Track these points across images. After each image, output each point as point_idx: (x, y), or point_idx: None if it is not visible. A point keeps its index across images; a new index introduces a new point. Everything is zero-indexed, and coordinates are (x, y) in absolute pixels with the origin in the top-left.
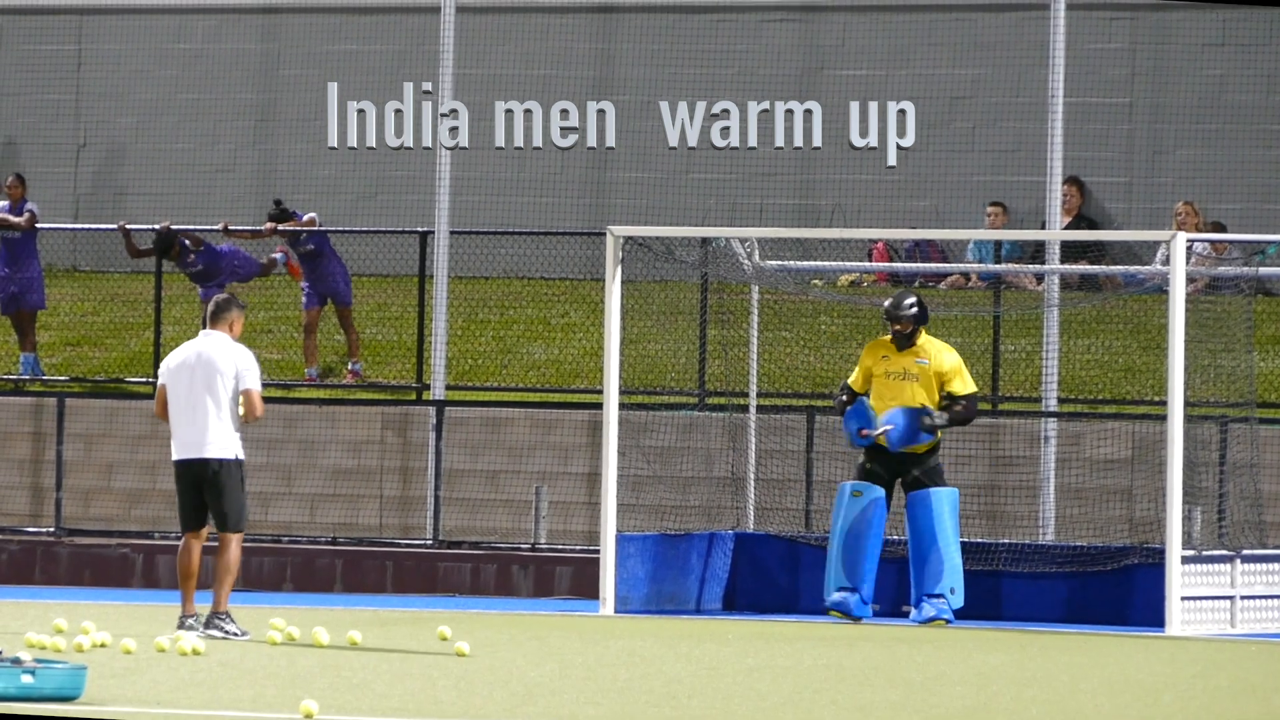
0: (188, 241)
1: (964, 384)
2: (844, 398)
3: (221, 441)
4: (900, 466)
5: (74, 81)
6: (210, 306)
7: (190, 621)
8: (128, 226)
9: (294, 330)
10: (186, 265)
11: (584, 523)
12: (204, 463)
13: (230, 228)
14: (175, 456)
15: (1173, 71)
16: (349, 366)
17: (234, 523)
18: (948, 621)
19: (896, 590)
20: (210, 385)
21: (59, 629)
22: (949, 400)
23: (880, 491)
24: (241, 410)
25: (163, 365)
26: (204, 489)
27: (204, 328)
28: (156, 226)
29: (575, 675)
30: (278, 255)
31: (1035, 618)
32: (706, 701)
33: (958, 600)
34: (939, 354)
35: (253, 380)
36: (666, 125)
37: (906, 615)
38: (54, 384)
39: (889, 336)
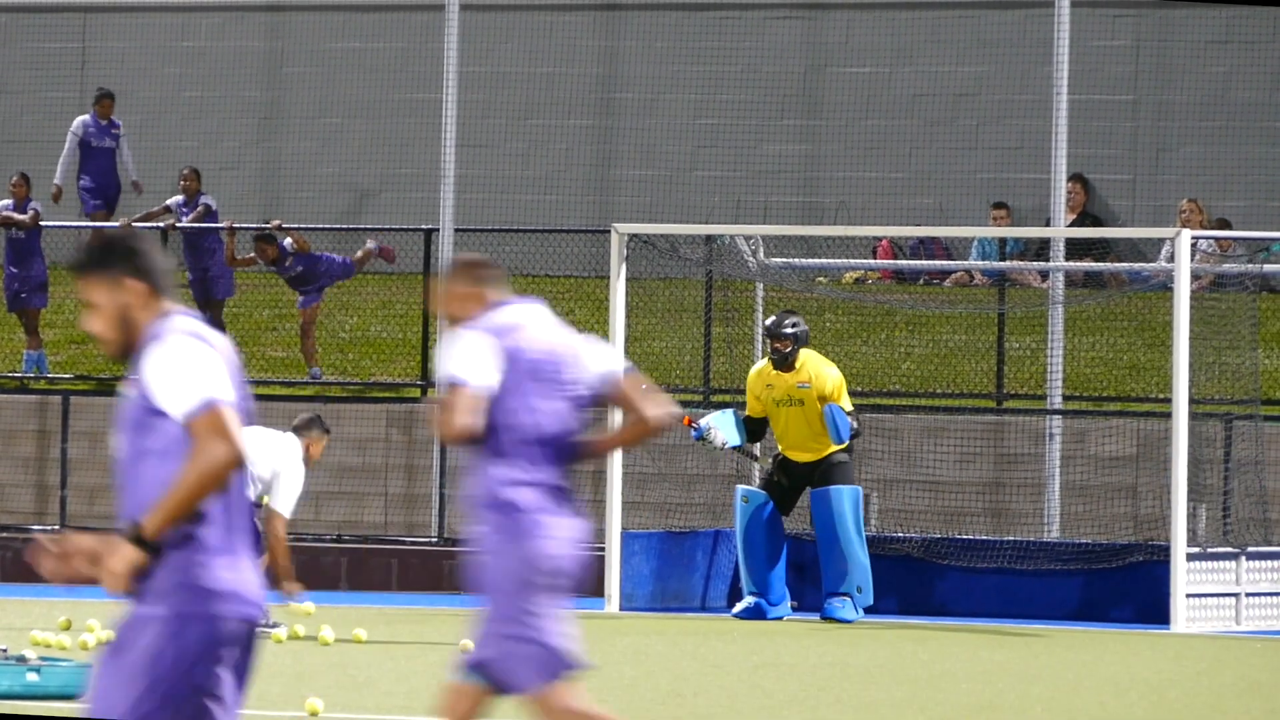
0: (288, 245)
1: (845, 404)
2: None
3: None
4: (804, 470)
5: (78, 79)
6: (299, 418)
7: None
8: (234, 225)
9: (298, 326)
10: (284, 269)
11: (589, 520)
12: None
13: (234, 224)
14: None
15: (1177, 69)
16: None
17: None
18: (849, 621)
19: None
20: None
21: (64, 626)
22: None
23: (763, 497)
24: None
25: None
26: None
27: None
28: (266, 227)
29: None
30: (371, 245)
31: (1040, 615)
32: (712, 699)
33: (865, 599)
34: (820, 375)
35: (281, 501)
36: (671, 122)
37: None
38: (59, 382)
39: (769, 360)
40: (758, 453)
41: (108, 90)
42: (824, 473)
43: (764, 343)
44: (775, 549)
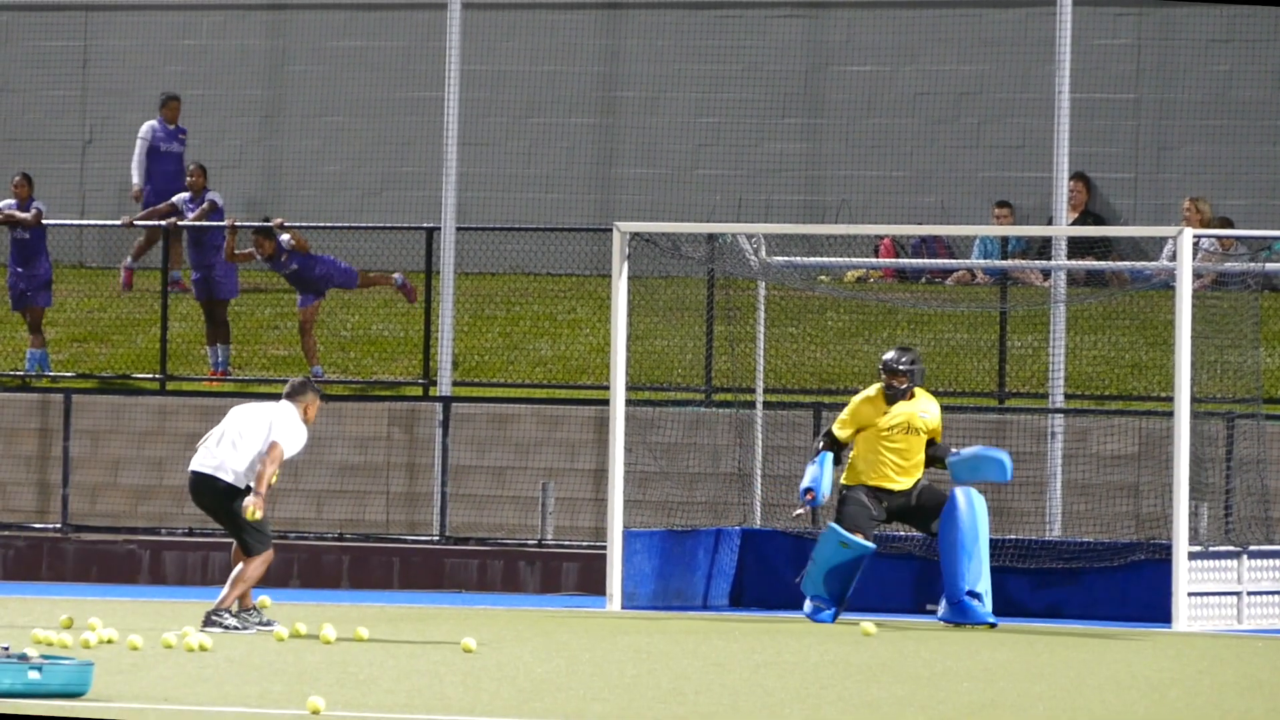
0: (285, 241)
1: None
2: (820, 444)
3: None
4: (903, 497)
5: (80, 77)
6: (290, 384)
7: (244, 616)
8: (236, 224)
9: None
10: (280, 265)
11: (591, 519)
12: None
13: (236, 222)
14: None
15: (1179, 67)
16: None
17: (252, 549)
18: (992, 625)
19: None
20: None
21: (66, 625)
22: (931, 445)
23: (870, 548)
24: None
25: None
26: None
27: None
28: (268, 225)
29: (582, 671)
30: (396, 277)
31: (1042, 613)
32: (714, 697)
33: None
34: (933, 407)
35: (284, 438)
36: (673, 121)
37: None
38: (61, 380)
39: (877, 389)
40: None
41: (174, 94)
42: (928, 488)
43: (879, 374)
44: (852, 576)
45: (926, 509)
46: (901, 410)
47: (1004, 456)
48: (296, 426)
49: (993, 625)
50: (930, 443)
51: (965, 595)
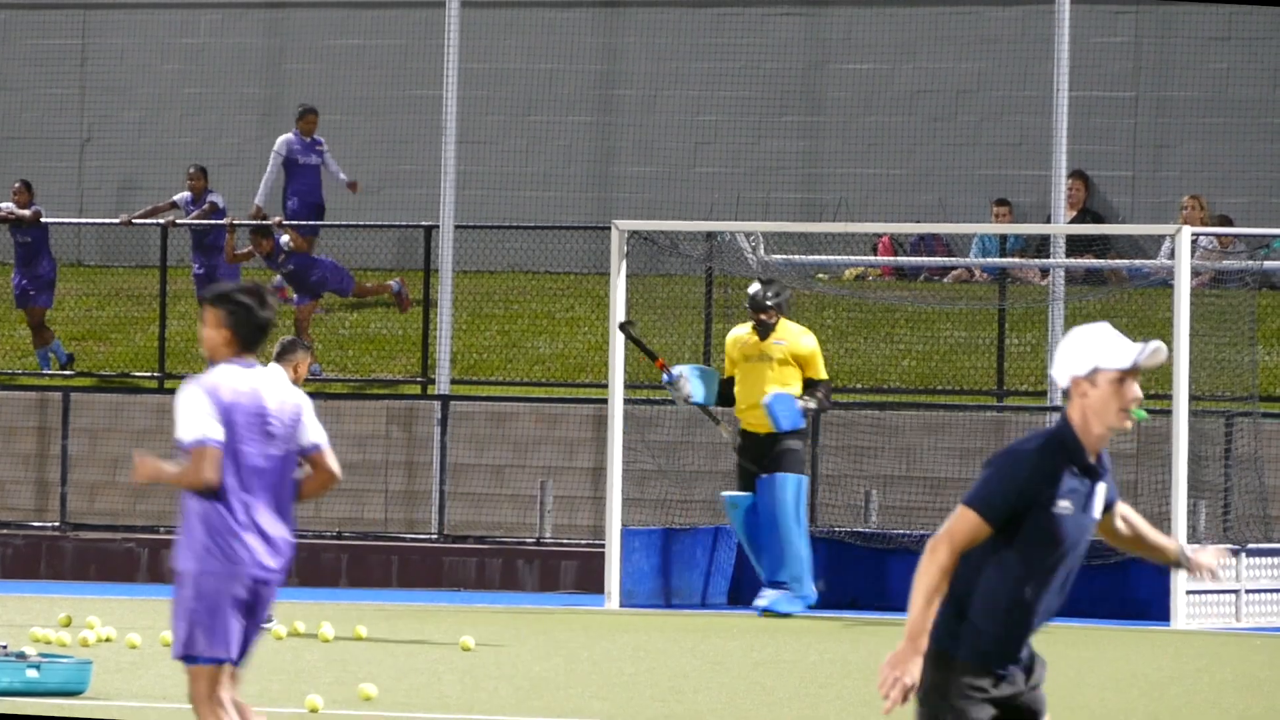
0: (284, 242)
1: (820, 371)
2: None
3: None
4: (763, 446)
5: (78, 76)
6: (278, 344)
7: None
8: (235, 222)
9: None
10: (277, 265)
11: (589, 517)
12: None
13: (235, 221)
14: None
15: (1177, 66)
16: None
17: None
18: (787, 614)
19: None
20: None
21: (64, 623)
22: (810, 385)
23: (748, 497)
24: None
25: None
26: None
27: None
28: (267, 223)
29: (581, 669)
30: (393, 284)
31: None
32: (712, 695)
33: (804, 590)
34: (797, 337)
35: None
36: (671, 119)
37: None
38: (59, 378)
39: (753, 329)
40: (721, 416)
41: (311, 106)
42: (775, 457)
43: (748, 312)
44: (774, 537)
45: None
46: (757, 340)
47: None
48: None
49: (785, 615)
50: (809, 382)
51: (765, 585)
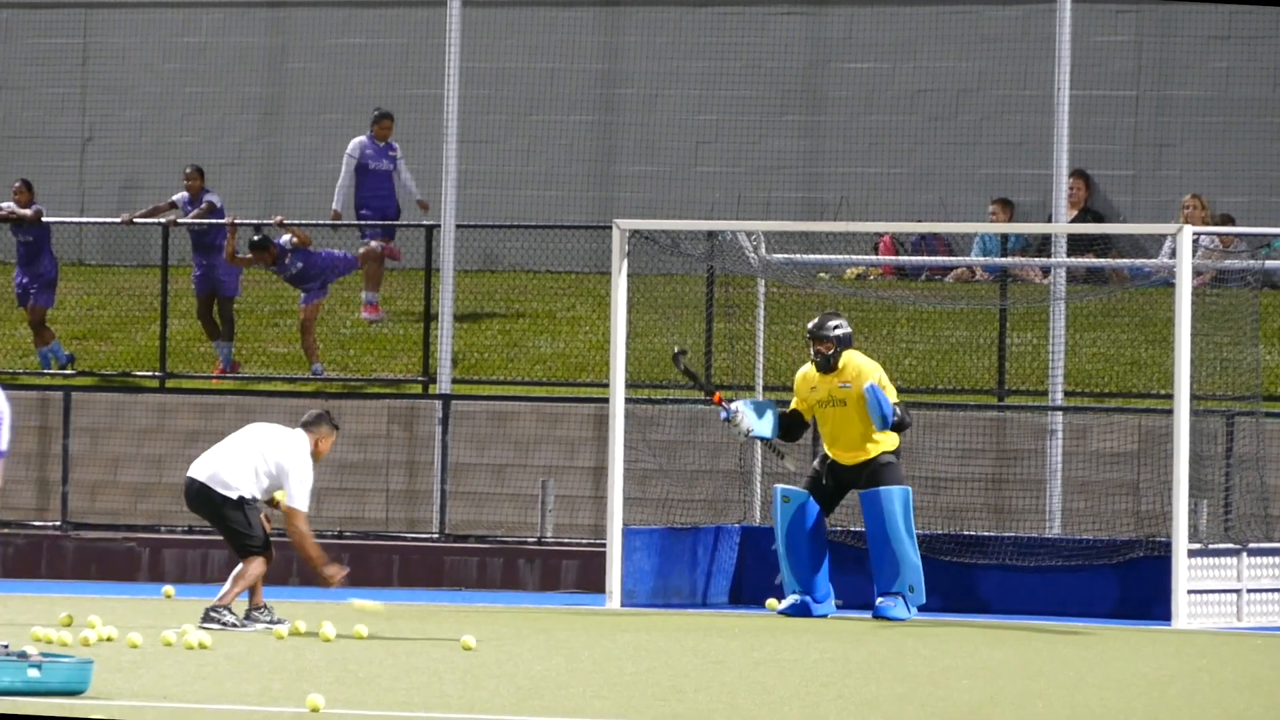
0: (285, 241)
1: (891, 395)
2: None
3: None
4: (851, 473)
5: (80, 75)
6: (308, 415)
7: (255, 614)
8: (236, 221)
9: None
10: (284, 268)
11: (590, 516)
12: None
13: (236, 220)
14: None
15: (1179, 64)
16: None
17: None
18: (901, 620)
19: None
20: (258, 453)
21: (65, 623)
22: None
23: (805, 496)
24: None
25: None
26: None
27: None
28: (268, 223)
29: (582, 669)
30: (374, 245)
31: (1041, 611)
32: (713, 695)
33: (917, 598)
34: (860, 373)
35: (296, 497)
36: (672, 118)
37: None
38: (60, 377)
39: (813, 363)
40: (784, 450)
41: (386, 111)
42: (872, 474)
43: (807, 344)
44: (819, 547)
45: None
46: (824, 382)
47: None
48: (306, 472)
49: (898, 620)
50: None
51: (879, 596)
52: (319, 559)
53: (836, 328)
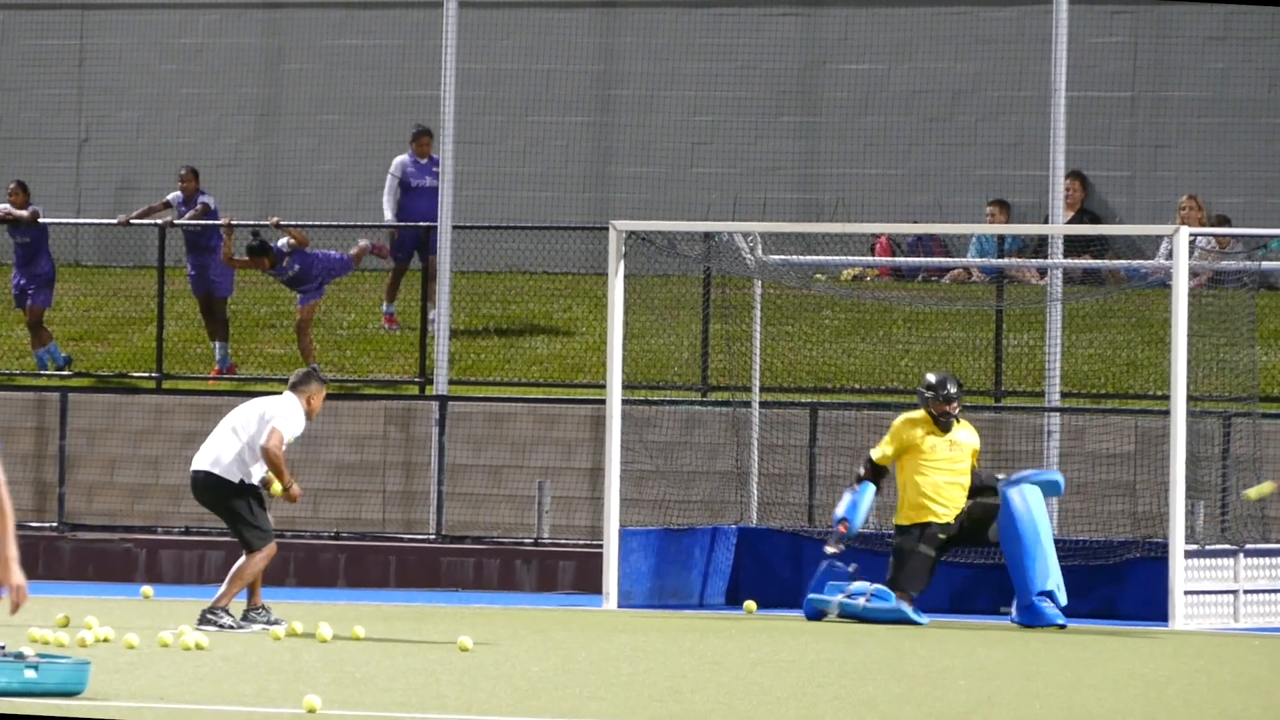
0: (283, 245)
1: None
2: (861, 470)
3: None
4: (954, 525)
5: (76, 76)
6: (295, 375)
7: (253, 614)
8: (232, 223)
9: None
10: (281, 271)
11: (587, 517)
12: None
13: (232, 221)
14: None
15: (1175, 65)
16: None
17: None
18: (1061, 626)
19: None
20: (240, 424)
21: (62, 623)
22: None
23: (922, 623)
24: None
25: None
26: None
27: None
28: (265, 224)
29: (578, 670)
30: (364, 243)
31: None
32: (710, 696)
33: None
34: (972, 432)
35: (281, 422)
36: (669, 119)
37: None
38: (57, 378)
39: (922, 414)
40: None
41: (426, 127)
42: (974, 505)
43: (922, 403)
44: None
45: (979, 523)
46: (943, 435)
47: (1057, 476)
48: (294, 413)
49: (1061, 626)
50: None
51: (1035, 597)
52: (283, 476)
53: (960, 386)
